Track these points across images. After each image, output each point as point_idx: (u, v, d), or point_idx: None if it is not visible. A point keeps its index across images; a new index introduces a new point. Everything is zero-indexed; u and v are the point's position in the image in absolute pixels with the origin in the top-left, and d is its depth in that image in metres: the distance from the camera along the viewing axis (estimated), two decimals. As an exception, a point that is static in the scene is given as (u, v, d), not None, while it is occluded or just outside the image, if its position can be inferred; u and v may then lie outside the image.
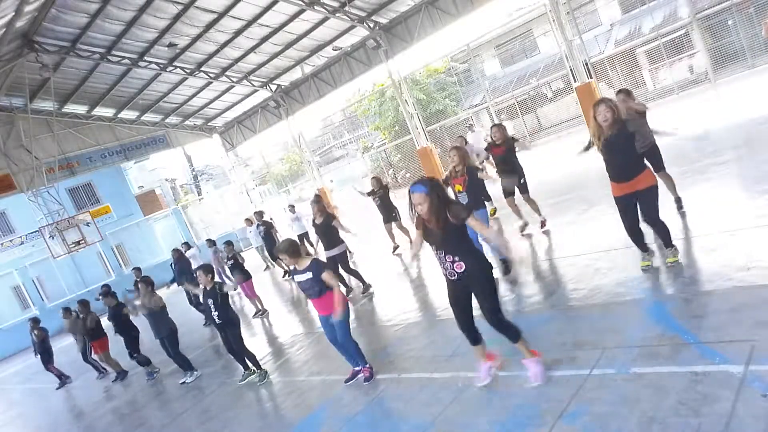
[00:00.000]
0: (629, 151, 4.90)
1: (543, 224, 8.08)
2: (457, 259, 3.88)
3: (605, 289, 5.19)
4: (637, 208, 5.07)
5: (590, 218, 7.77)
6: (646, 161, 5.17)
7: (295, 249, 5.18)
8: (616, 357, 3.90)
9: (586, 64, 15.78)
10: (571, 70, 16.01)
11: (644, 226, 5.18)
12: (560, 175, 12.04)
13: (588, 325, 4.62)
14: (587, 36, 20.22)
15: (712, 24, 19.82)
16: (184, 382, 7.61)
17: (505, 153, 8.02)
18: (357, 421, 4.58)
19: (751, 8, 18.41)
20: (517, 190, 8.09)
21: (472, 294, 4.01)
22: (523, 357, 4.05)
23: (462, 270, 3.88)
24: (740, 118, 10.50)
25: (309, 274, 5.02)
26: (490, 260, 4.10)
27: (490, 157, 8.59)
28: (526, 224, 8.37)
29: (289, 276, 12.97)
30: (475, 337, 4.17)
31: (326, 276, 5.00)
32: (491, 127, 8.34)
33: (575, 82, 15.96)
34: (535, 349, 4.08)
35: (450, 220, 3.82)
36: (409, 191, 3.95)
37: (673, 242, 5.15)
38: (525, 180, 8.08)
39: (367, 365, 5.26)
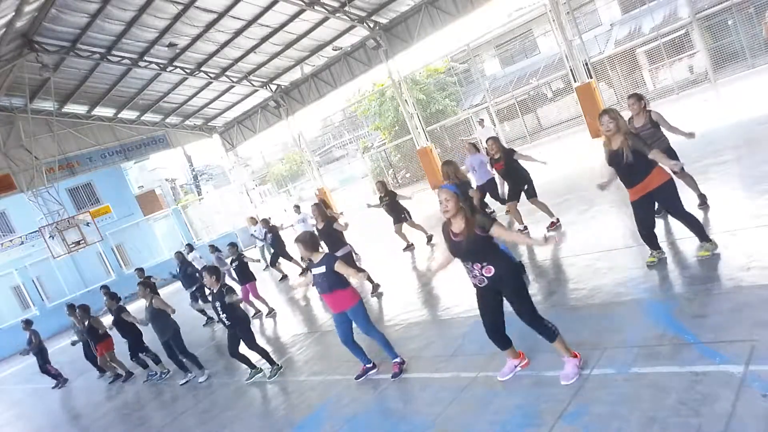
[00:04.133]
0: (635, 157, 4.95)
1: (553, 224, 7.98)
2: (486, 264, 3.87)
3: (605, 289, 5.19)
4: (653, 210, 5.14)
5: (590, 218, 7.78)
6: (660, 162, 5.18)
7: (314, 241, 5.29)
8: (616, 357, 3.90)
9: (586, 64, 15.78)
10: (571, 70, 16.02)
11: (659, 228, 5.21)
12: (560, 175, 12.04)
13: (588, 325, 4.62)
14: (587, 36, 20.22)
15: (712, 24, 19.81)
16: (185, 383, 7.61)
17: (506, 165, 8.01)
18: (357, 421, 4.58)
19: (751, 8, 18.40)
20: (523, 195, 8.08)
21: (502, 299, 4.00)
22: (561, 356, 3.97)
23: (491, 274, 3.87)
24: (740, 118, 10.50)
25: (323, 268, 5.07)
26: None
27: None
28: (525, 228, 8.41)
29: (285, 279, 13.00)
30: (504, 343, 4.16)
31: (339, 265, 5.04)
32: (487, 141, 8.31)
33: (575, 82, 15.97)
34: (576, 350, 3.99)
35: (476, 230, 3.83)
36: (438, 191, 3.97)
37: (710, 237, 5.08)
38: (531, 185, 8.05)
39: (398, 359, 5.15)
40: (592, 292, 5.22)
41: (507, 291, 3.93)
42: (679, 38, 20.79)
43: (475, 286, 4.01)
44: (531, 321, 3.93)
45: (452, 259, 4.18)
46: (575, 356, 3.94)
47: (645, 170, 5.02)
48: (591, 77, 15.66)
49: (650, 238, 5.27)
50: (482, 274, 3.88)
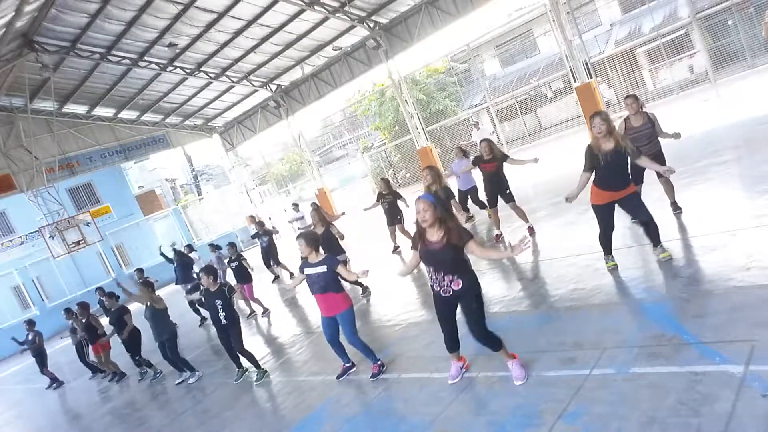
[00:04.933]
0: (624, 163, 5.14)
1: (531, 230, 8.09)
2: (455, 277, 4.00)
3: (605, 289, 5.20)
4: (613, 215, 5.38)
5: (590, 218, 7.71)
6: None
7: (316, 239, 5.33)
8: (616, 357, 3.90)
9: (586, 64, 15.78)
10: (571, 70, 16.01)
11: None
12: (560, 175, 12.04)
13: (588, 325, 4.62)
14: (587, 36, 20.23)
15: (712, 24, 19.82)
16: (180, 383, 7.63)
17: (495, 168, 8.04)
18: (357, 421, 4.58)
19: (751, 8, 18.41)
20: (501, 200, 8.16)
21: (458, 308, 4.17)
22: (505, 361, 4.20)
23: (459, 287, 4.01)
24: (740, 118, 10.50)
25: (323, 268, 5.10)
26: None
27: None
28: (500, 234, 8.51)
29: (277, 280, 13.00)
30: (455, 346, 4.39)
31: (341, 268, 5.11)
32: (480, 143, 8.35)
33: (575, 82, 15.97)
34: (514, 352, 4.25)
35: (452, 241, 3.91)
36: (416, 201, 4.06)
37: (662, 241, 5.34)
38: (510, 191, 8.12)
39: (378, 362, 5.28)
40: (592, 292, 5.22)
41: (466, 305, 4.07)
42: (679, 38, 20.80)
43: (436, 293, 4.15)
44: (481, 336, 4.11)
45: (419, 263, 4.29)
46: (514, 357, 4.18)
47: (631, 178, 5.26)
48: (591, 77, 15.66)
49: (610, 242, 5.55)
50: (450, 286, 4.02)
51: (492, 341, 4.13)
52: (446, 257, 3.97)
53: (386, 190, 10.56)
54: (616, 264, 5.56)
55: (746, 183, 6.74)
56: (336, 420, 4.73)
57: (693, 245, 5.47)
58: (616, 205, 5.31)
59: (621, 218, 7.10)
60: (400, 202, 10.40)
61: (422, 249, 4.10)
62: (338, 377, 5.50)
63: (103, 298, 9.37)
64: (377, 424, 4.43)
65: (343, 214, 11.16)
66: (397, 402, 4.67)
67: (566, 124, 23.15)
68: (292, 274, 12.66)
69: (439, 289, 4.09)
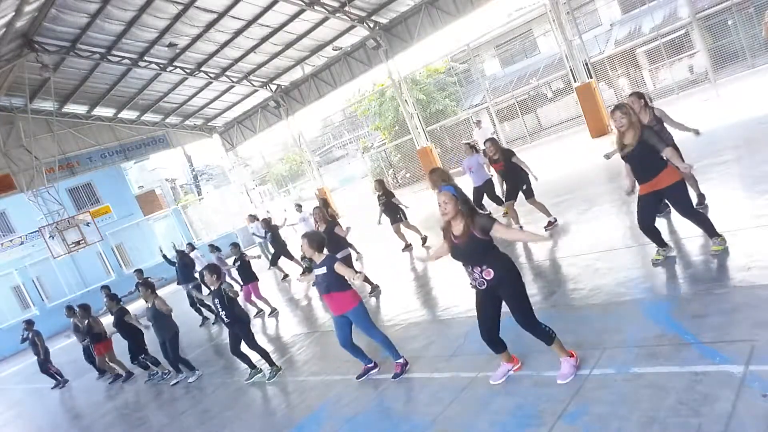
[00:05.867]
0: (647, 153, 4.97)
1: (551, 224, 8.04)
2: (485, 267, 3.85)
3: (605, 289, 5.19)
4: (657, 207, 5.18)
5: (590, 218, 7.78)
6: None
7: (320, 241, 5.27)
8: (616, 357, 3.90)
9: (586, 64, 15.79)
10: (571, 70, 16.02)
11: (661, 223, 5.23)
12: (561, 175, 12.04)
13: (588, 325, 4.62)
14: (587, 36, 20.23)
15: (712, 24, 19.81)
16: (176, 383, 7.66)
17: (506, 166, 8.04)
18: (357, 421, 4.58)
19: (751, 8, 18.41)
20: (522, 195, 8.12)
21: (501, 302, 3.98)
22: (559, 357, 3.98)
23: (491, 277, 3.84)
24: (740, 118, 10.50)
25: (323, 269, 5.09)
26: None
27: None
28: (521, 228, 8.43)
29: (287, 278, 13.02)
30: (497, 347, 4.15)
31: (339, 266, 5.05)
32: (485, 143, 8.35)
33: (575, 82, 15.97)
34: (572, 349, 4.02)
35: (475, 230, 3.80)
36: (437, 194, 3.95)
37: (719, 232, 5.05)
38: (528, 185, 8.09)
39: (401, 359, 5.14)
40: (592, 292, 5.22)
41: (506, 294, 3.90)
42: (679, 38, 20.79)
43: (474, 288, 3.98)
44: (528, 326, 3.92)
45: (446, 254, 4.16)
46: (572, 356, 3.95)
47: (656, 167, 5.01)
48: (591, 77, 15.66)
49: (651, 234, 5.28)
50: (482, 277, 3.86)
51: (543, 333, 3.91)
52: (472, 248, 3.84)
53: (380, 191, 10.63)
54: (662, 258, 5.25)
55: (746, 183, 6.74)
56: (336, 420, 4.73)
57: (693, 245, 5.47)
58: (661, 196, 5.10)
59: (621, 217, 7.14)
60: (394, 200, 10.46)
61: (450, 245, 3.98)
62: (358, 377, 5.35)
63: (105, 299, 9.38)
64: (377, 424, 4.43)
65: (339, 215, 11.19)
66: (397, 402, 4.67)
67: (566, 124, 23.14)
68: (305, 270, 12.69)
69: (474, 283, 3.94)
